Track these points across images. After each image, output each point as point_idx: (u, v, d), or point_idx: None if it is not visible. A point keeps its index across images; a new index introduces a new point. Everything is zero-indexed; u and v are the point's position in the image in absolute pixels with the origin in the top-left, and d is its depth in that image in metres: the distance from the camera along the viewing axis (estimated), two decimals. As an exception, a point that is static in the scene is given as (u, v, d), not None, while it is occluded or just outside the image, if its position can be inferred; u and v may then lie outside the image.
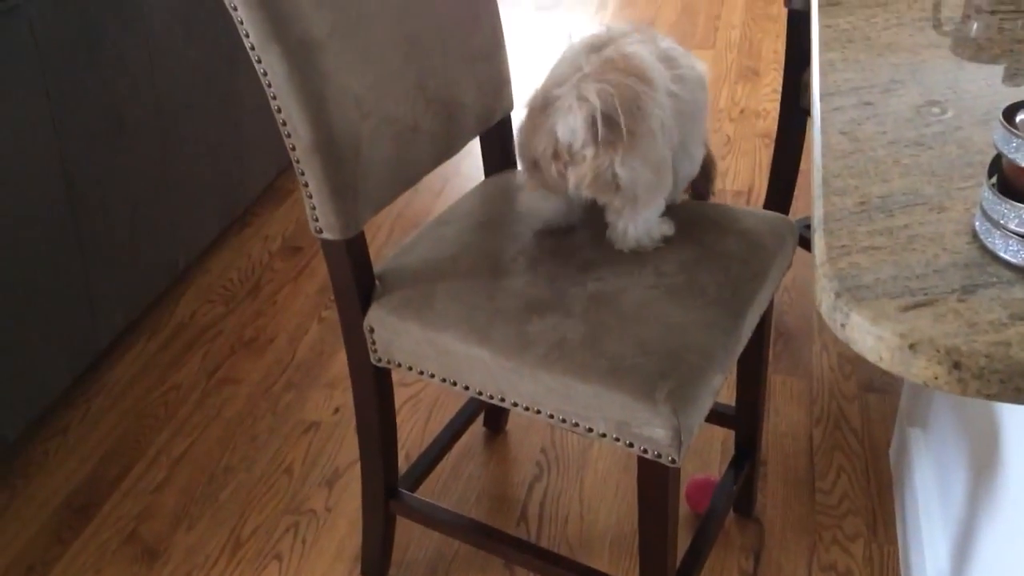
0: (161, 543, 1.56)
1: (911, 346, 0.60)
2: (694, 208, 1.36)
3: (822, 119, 0.84)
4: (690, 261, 1.26)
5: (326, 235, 1.19)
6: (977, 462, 1.17)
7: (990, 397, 0.59)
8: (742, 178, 2.49)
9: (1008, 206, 0.64)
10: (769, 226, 1.33)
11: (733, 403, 1.51)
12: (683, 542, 1.48)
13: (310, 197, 1.17)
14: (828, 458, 1.69)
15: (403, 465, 1.70)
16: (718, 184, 2.46)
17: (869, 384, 1.85)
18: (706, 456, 1.70)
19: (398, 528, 1.52)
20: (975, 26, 1.01)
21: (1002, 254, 0.65)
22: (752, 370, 1.44)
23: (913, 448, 1.50)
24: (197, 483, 1.67)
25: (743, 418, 1.49)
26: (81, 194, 1.72)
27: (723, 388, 1.81)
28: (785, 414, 1.78)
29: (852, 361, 1.91)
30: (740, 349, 1.22)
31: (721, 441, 1.73)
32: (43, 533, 1.58)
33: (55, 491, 1.65)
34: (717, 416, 1.53)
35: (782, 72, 1.88)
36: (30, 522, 1.60)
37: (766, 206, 1.92)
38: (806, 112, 1.78)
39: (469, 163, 2.58)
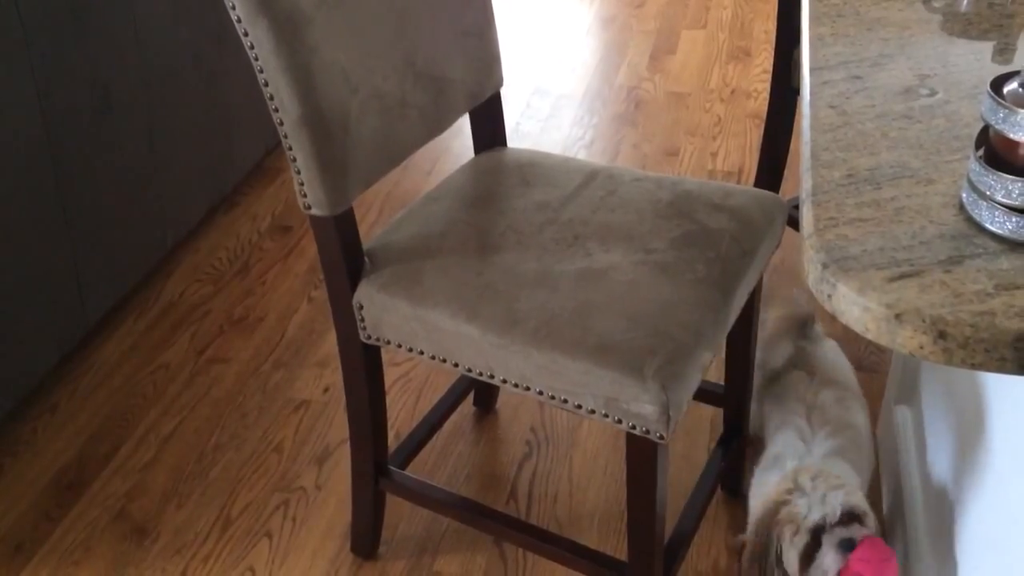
0: (150, 521, 1.56)
1: (897, 316, 0.60)
2: (684, 185, 1.36)
3: (811, 93, 0.84)
4: (679, 238, 1.26)
5: (314, 211, 1.18)
6: (962, 440, 1.18)
7: (975, 366, 0.59)
8: (732, 159, 2.49)
9: (995, 177, 0.64)
10: (759, 204, 1.33)
11: (722, 382, 1.52)
12: (671, 520, 1.49)
13: (298, 173, 1.16)
14: (816, 436, 1.69)
15: (393, 444, 1.70)
16: (708, 164, 2.47)
17: (857, 364, 1.85)
18: (695, 435, 1.71)
19: (388, 506, 1.53)
20: (964, 1, 1.01)
21: (988, 225, 0.66)
22: (741, 348, 1.44)
23: (899, 426, 1.51)
24: (186, 461, 1.67)
25: (732, 397, 1.50)
26: (67, 172, 1.70)
27: (712, 367, 1.82)
28: (774, 393, 1.79)
29: (841, 340, 1.91)
30: (729, 327, 1.22)
31: (710, 420, 1.73)
32: (32, 511, 1.58)
33: (44, 469, 1.65)
34: (706, 395, 1.54)
35: (773, 52, 1.88)
36: (19, 500, 1.59)
37: (756, 186, 1.92)
38: (797, 92, 1.78)
39: (459, 143, 2.57)
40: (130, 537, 1.53)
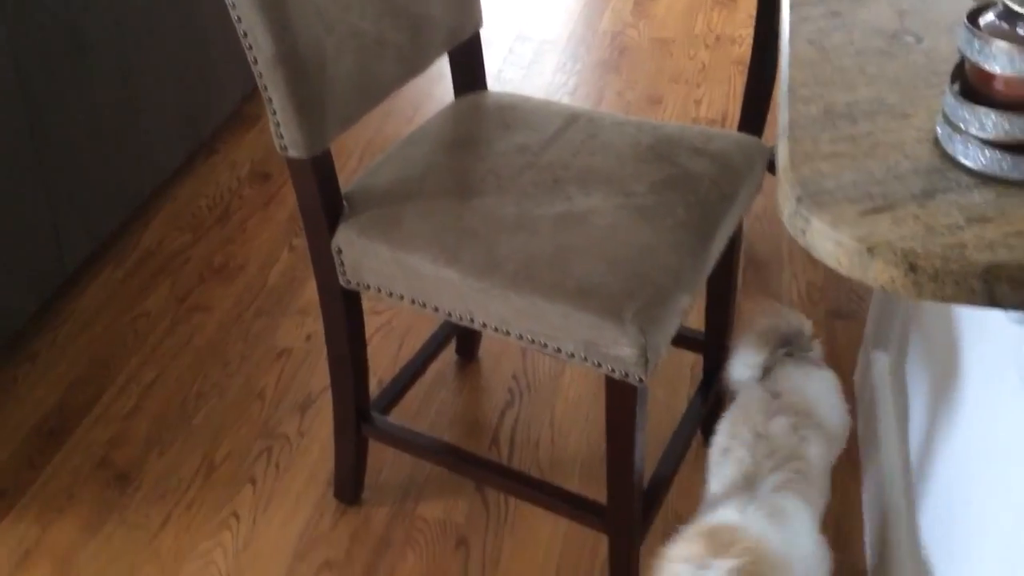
0: (133, 468, 1.56)
1: (869, 249, 0.60)
2: (665, 130, 1.35)
3: (790, 29, 0.83)
4: (660, 182, 1.25)
5: (291, 153, 1.17)
6: (937, 383, 1.19)
7: (945, 299, 0.59)
8: (716, 106, 2.47)
9: (969, 111, 0.64)
10: (740, 148, 1.33)
11: (703, 329, 1.52)
12: (651, 465, 1.51)
13: (274, 113, 1.15)
14: (795, 382, 1.71)
15: (375, 391, 1.70)
16: (692, 111, 2.45)
17: (837, 311, 1.87)
18: (675, 382, 1.72)
19: (371, 453, 1.54)
20: (948, -62, 0.99)
21: (962, 159, 0.65)
22: (721, 294, 1.45)
23: (876, 371, 1.53)
24: (169, 409, 1.67)
25: (712, 342, 1.51)
26: (41, 118, 1.67)
27: (693, 313, 1.83)
28: (754, 340, 1.80)
29: (821, 289, 1.92)
30: (708, 270, 1.22)
31: (691, 367, 1.75)
32: (14, 458, 1.58)
33: (25, 417, 1.65)
34: (686, 341, 1.54)
35: (758, -5, 1.86)
36: (0, 448, 1.59)
37: (739, 131, 1.91)
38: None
39: (441, 88, 2.54)
40: (113, 484, 1.54)
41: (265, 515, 1.49)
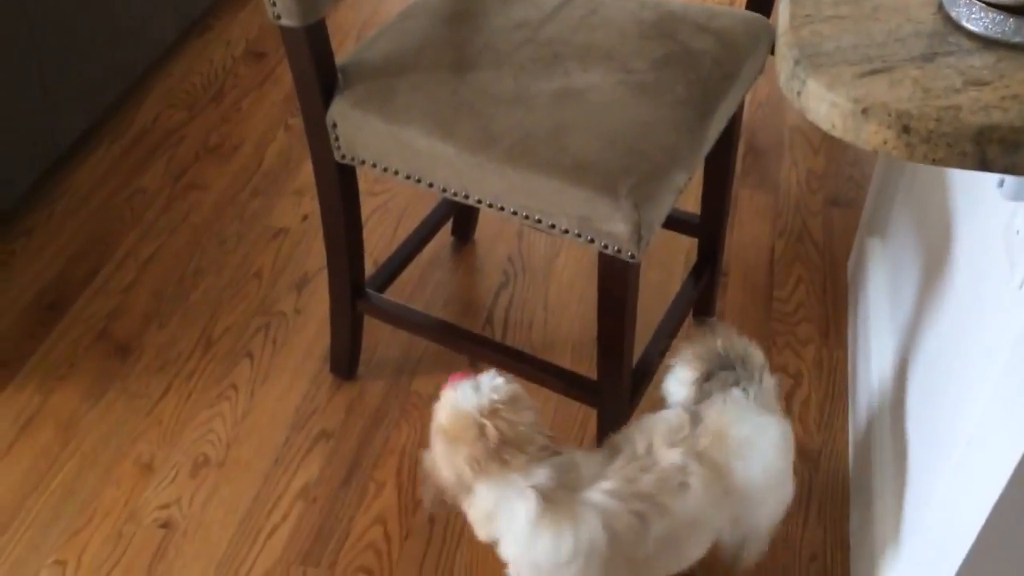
0: (133, 340, 1.59)
1: (864, 111, 0.60)
2: (669, 6, 1.32)
3: None
4: (661, 59, 1.23)
5: (285, 21, 1.14)
6: (928, 268, 1.20)
7: (936, 162, 0.59)
8: (724, -9, 2.40)
9: (976, -29, 0.62)
10: (744, 26, 1.30)
11: (699, 212, 1.52)
12: (643, 345, 1.53)
13: (266, -22, 1.11)
14: (788, 269, 1.72)
15: (371, 271, 1.71)
16: None
17: (835, 199, 1.86)
18: (670, 266, 1.73)
19: (366, 331, 1.56)
20: None
21: (965, 23, 0.64)
22: (718, 176, 1.44)
23: (870, 257, 1.54)
24: (167, 284, 1.68)
25: (707, 226, 1.51)
26: (28, -16, 1.63)
27: (689, 199, 1.83)
28: (749, 227, 1.80)
29: (820, 177, 1.91)
30: (706, 149, 1.21)
31: (686, 252, 1.76)
32: (14, 329, 1.60)
33: (24, 290, 1.67)
34: (682, 224, 1.55)
35: None
36: (0, 319, 1.62)
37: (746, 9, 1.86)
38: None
39: (441, -32, 2.46)
40: (114, 355, 1.56)
41: (263, 387, 1.52)
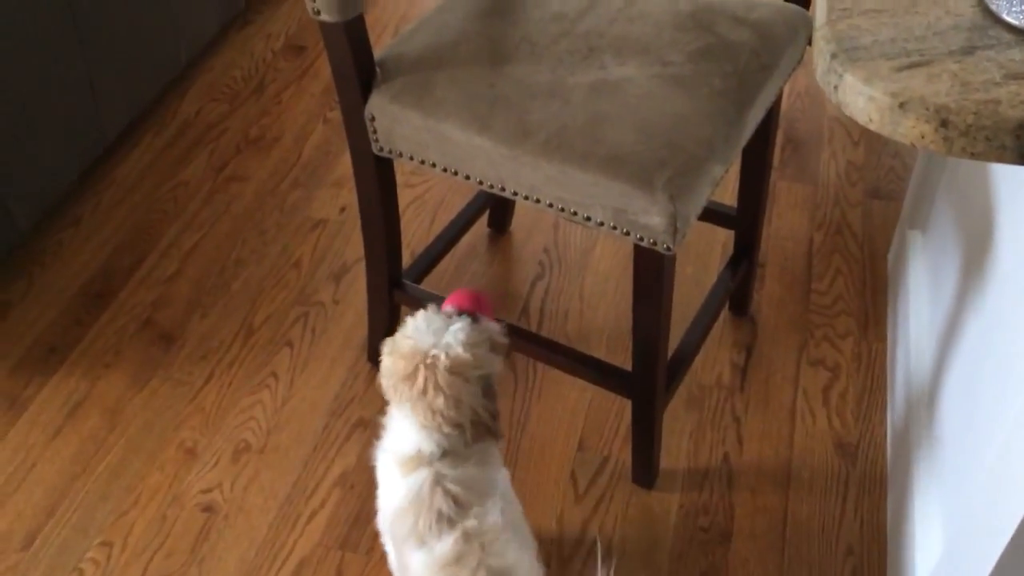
0: (176, 328, 1.62)
1: (901, 105, 0.60)
2: (705, -3, 1.31)
3: None
4: (697, 51, 1.23)
5: (324, 16, 1.16)
6: (970, 261, 1.19)
7: (975, 156, 0.59)
8: (763, -20, 2.38)
9: (1018, -37, 0.62)
10: (783, 18, 1.29)
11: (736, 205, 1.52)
12: (678, 337, 1.53)
13: (306, -26, 1.13)
14: (827, 261, 1.71)
15: (408, 263, 1.73)
16: None
17: (875, 191, 1.84)
18: (706, 258, 1.73)
19: (403, 319, 1.57)
20: None
21: (1006, 16, 0.64)
22: (756, 168, 1.44)
23: (911, 250, 1.52)
24: (209, 274, 1.72)
25: (744, 218, 1.50)
26: (75, -20, 1.66)
27: (727, 191, 1.82)
28: (788, 219, 1.79)
29: (860, 169, 1.90)
30: (743, 141, 1.21)
31: (722, 244, 1.75)
32: (63, 317, 1.64)
33: (71, 279, 1.71)
34: (718, 216, 1.54)
35: None
36: (49, 307, 1.66)
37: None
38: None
39: (478, -40, 2.47)
40: (158, 343, 1.60)
41: (302, 376, 1.55)
